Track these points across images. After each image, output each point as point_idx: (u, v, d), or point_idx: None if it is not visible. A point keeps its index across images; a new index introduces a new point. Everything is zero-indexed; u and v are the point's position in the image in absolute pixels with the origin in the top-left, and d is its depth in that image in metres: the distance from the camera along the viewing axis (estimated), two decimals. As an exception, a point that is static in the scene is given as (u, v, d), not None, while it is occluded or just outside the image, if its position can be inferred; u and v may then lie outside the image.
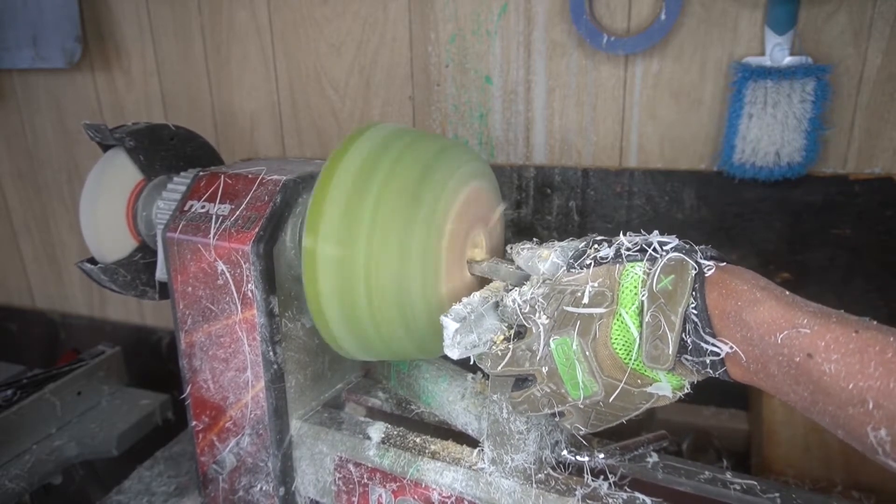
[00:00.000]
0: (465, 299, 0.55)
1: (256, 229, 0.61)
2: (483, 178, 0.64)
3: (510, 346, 0.53)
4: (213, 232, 0.63)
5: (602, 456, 0.59)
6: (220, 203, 0.65)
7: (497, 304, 0.56)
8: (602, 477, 0.59)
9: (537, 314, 0.51)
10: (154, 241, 0.73)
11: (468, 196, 0.60)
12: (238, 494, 0.72)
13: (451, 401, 0.68)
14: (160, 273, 0.73)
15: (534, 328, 0.51)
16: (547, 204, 0.96)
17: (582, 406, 0.51)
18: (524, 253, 0.56)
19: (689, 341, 0.45)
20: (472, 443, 0.64)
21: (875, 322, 0.41)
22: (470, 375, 0.70)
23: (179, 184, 0.71)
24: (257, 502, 0.71)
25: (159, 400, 1.04)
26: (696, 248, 0.48)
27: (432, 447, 0.64)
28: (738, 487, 0.58)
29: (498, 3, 0.91)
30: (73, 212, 1.30)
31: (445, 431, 0.69)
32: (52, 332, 1.43)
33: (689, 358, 0.45)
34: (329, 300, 0.57)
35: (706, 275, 0.46)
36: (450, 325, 0.52)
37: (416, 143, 0.60)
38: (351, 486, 0.67)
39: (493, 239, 0.66)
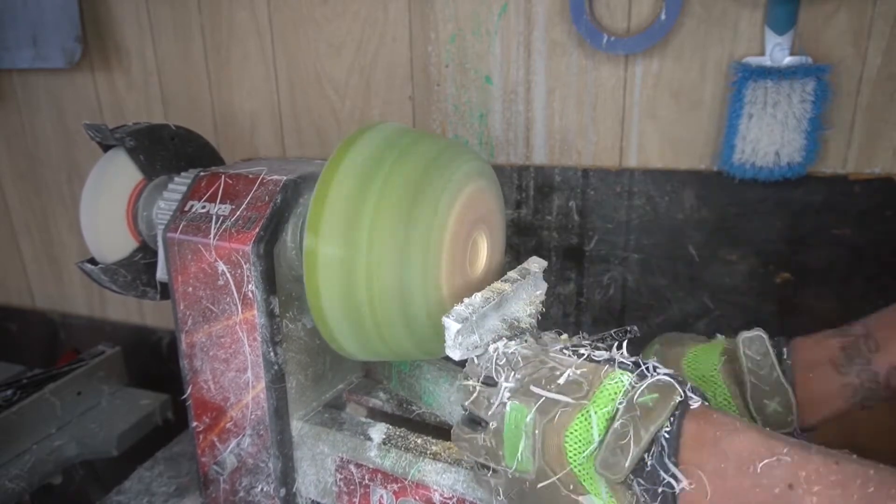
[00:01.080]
0: (466, 300, 0.54)
1: (257, 229, 0.61)
2: (484, 177, 0.64)
3: (477, 388, 0.52)
4: (213, 232, 0.63)
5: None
6: (220, 203, 0.65)
7: (499, 305, 0.56)
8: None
9: (510, 372, 0.51)
10: (155, 241, 0.73)
11: (469, 196, 0.60)
12: (239, 495, 0.72)
13: (453, 401, 0.68)
14: (161, 273, 0.73)
15: (501, 381, 0.50)
16: (547, 204, 0.96)
17: (510, 476, 0.50)
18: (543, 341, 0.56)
19: (649, 463, 0.43)
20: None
21: (854, 455, 0.40)
22: None
23: (180, 184, 0.71)
24: (258, 503, 0.71)
25: (159, 400, 1.04)
26: (688, 382, 0.47)
27: (434, 448, 0.64)
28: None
29: (498, 3, 0.91)
30: (73, 212, 1.30)
31: (446, 432, 0.69)
32: (52, 332, 1.43)
33: (642, 482, 0.43)
34: (330, 300, 0.57)
35: (690, 406, 0.45)
36: (451, 325, 0.51)
37: (417, 143, 0.60)
38: (352, 486, 0.67)
39: (495, 239, 0.66)
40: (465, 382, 0.54)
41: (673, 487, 0.42)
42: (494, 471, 0.52)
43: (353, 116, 1.04)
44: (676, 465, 0.42)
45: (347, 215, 0.56)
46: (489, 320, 0.55)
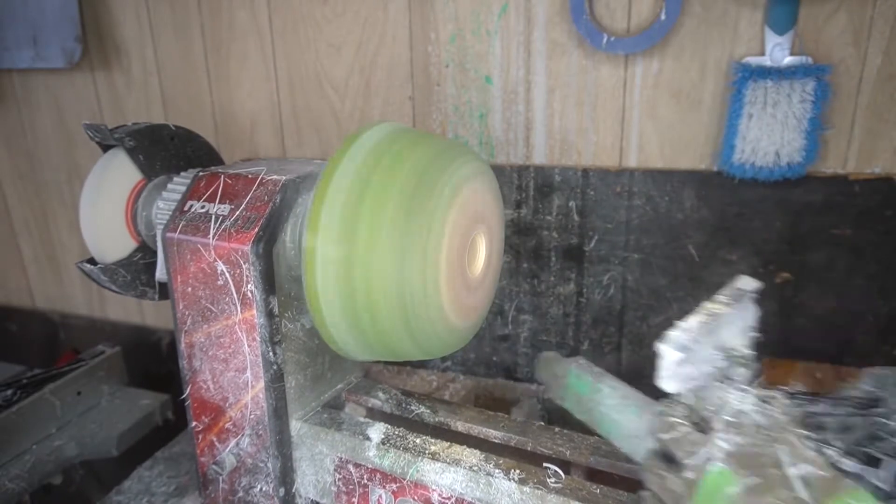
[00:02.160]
0: (682, 324, 0.47)
1: (256, 229, 0.61)
2: (483, 177, 0.64)
3: (686, 428, 0.46)
4: (212, 232, 0.63)
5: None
6: (219, 203, 0.65)
7: (714, 330, 0.48)
8: (598, 478, 0.59)
9: (732, 433, 0.43)
10: (154, 241, 0.73)
11: (468, 195, 0.60)
12: (238, 495, 0.72)
13: (640, 436, 0.57)
14: (160, 273, 0.73)
15: (716, 437, 0.43)
16: (547, 204, 0.96)
17: None
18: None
19: None
20: (473, 444, 0.64)
21: None
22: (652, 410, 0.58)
23: (179, 184, 0.71)
24: (257, 503, 0.71)
25: (159, 400, 1.04)
26: None
27: (432, 448, 0.64)
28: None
29: (498, 3, 0.90)
30: (73, 212, 1.30)
31: (446, 432, 0.69)
32: (52, 332, 1.43)
33: None
34: (329, 300, 0.57)
35: None
36: (670, 354, 0.45)
37: (416, 143, 0.60)
38: (351, 486, 0.67)
39: (494, 239, 0.66)
40: (671, 418, 0.47)
41: None
42: None
43: (353, 116, 1.04)
44: None
45: (346, 215, 0.56)
46: (703, 348, 0.48)
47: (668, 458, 0.46)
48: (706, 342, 0.48)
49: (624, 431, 0.58)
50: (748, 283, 0.55)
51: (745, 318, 0.52)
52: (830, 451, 0.43)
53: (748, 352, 0.50)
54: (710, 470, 0.42)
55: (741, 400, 0.45)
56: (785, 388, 0.49)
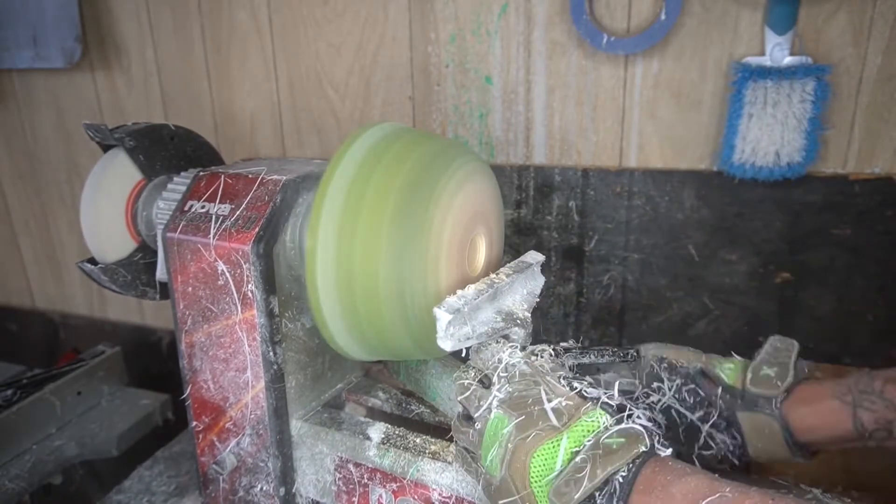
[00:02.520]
0: (459, 291, 0.55)
1: (256, 229, 0.61)
2: (483, 177, 0.64)
3: (473, 385, 0.54)
4: (213, 232, 0.63)
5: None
6: (220, 203, 0.65)
7: (493, 297, 0.56)
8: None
9: (504, 382, 0.53)
10: (154, 241, 0.73)
11: (468, 195, 0.60)
12: (238, 495, 0.72)
13: (454, 398, 0.68)
14: (160, 273, 0.73)
15: (495, 387, 0.53)
16: (547, 204, 0.96)
17: (482, 472, 0.52)
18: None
19: (599, 502, 0.45)
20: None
21: (791, 494, 0.43)
22: None
23: (179, 184, 0.71)
24: (258, 502, 0.71)
25: (159, 400, 1.04)
26: (662, 437, 0.48)
27: (432, 447, 0.64)
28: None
29: (498, 3, 0.91)
30: (73, 212, 1.30)
31: (445, 431, 0.69)
32: (52, 332, 1.43)
33: None
34: (329, 299, 0.57)
35: (656, 456, 0.46)
36: (443, 316, 0.52)
37: (416, 143, 0.60)
38: (351, 486, 0.67)
39: (494, 238, 0.66)
40: (462, 380, 0.55)
41: None
42: (475, 460, 0.55)
43: (353, 116, 1.04)
44: None
45: (347, 215, 0.56)
46: (483, 312, 0.55)
47: (466, 416, 0.55)
48: (488, 307, 0.56)
49: (443, 395, 0.69)
50: (533, 257, 0.64)
51: (529, 287, 0.62)
52: (577, 385, 0.52)
53: (525, 315, 0.59)
54: (490, 417, 0.51)
55: (511, 356, 0.55)
56: (557, 345, 0.63)
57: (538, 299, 0.62)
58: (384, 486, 0.64)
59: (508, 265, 0.62)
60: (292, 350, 0.67)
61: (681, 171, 0.89)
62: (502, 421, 0.50)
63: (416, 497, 0.62)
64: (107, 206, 0.72)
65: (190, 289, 0.66)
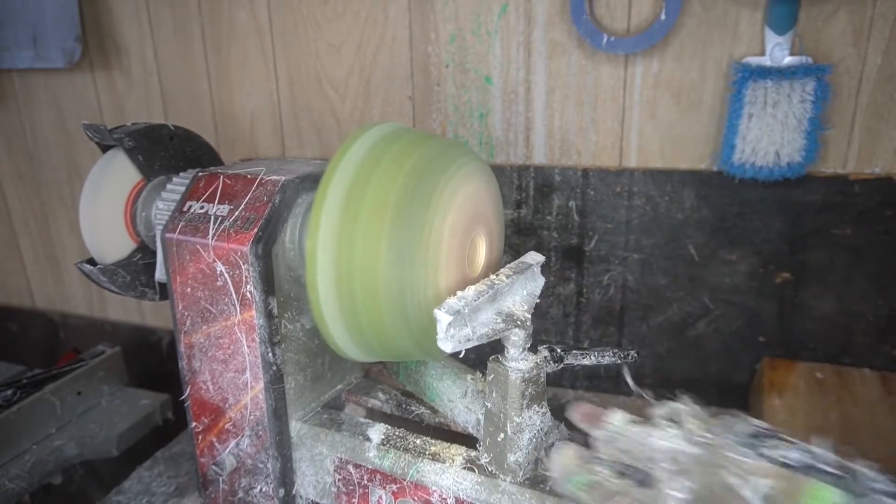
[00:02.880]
0: (459, 293, 0.55)
1: (255, 230, 0.61)
2: (482, 177, 0.64)
3: (625, 486, 0.43)
4: (211, 233, 0.63)
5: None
6: (219, 203, 0.65)
7: (494, 297, 0.56)
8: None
9: (677, 478, 0.40)
10: (153, 241, 0.73)
11: (467, 196, 0.60)
12: (238, 496, 0.72)
13: (453, 399, 0.68)
14: (159, 274, 0.73)
15: (664, 489, 0.40)
16: (547, 204, 0.96)
17: None
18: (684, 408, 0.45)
19: None
20: (473, 444, 0.64)
21: None
22: (469, 376, 0.70)
23: (178, 184, 0.71)
24: (257, 503, 0.71)
25: (159, 400, 1.04)
26: None
27: (433, 448, 0.64)
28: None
29: (498, 3, 0.90)
30: (73, 212, 1.30)
31: (445, 433, 0.69)
32: (52, 332, 1.43)
33: None
34: (329, 300, 0.57)
35: None
36: (443, 318, 0.51)
37: (416, 144, 0.60)
38: (351, 487, 0.67)
39: (494, 239, 0.66)
40: (602, 477, 0.44)
41: None
42: None
43: (353, 116, 1.04)
44: None
45: (347, 215, 0.56)
46: (483, 313, 0.55)
47: None
48: (488, 308, 0.55)
49: (443, 396, 0.68)
50: (533, 258, 0.63)
51: (529, 288, 0.60)
52: (770, 452, 0.40)
53: (526, 316, 0.56)
54: None
55: (673, 438, 0.42)
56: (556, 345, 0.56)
57: (538, 300, 0.62)
58: (384, 488, 0.64)
59: (508, 266, 0.61)
60: (292, 351, 0.67)
61: (681, 171, 0.89)
62: None
63: (415, 498, 0.62)
64: (106, 207, 0.72)
65: (189, 289, 0.66)
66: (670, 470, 0.40)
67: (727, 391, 0.95)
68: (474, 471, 0.60)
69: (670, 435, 0.42)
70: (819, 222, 0.84)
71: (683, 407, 0.44)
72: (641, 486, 0.42)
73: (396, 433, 0.67)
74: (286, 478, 0.69)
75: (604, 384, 1.02)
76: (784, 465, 0.39)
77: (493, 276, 0.59)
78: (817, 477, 0.38)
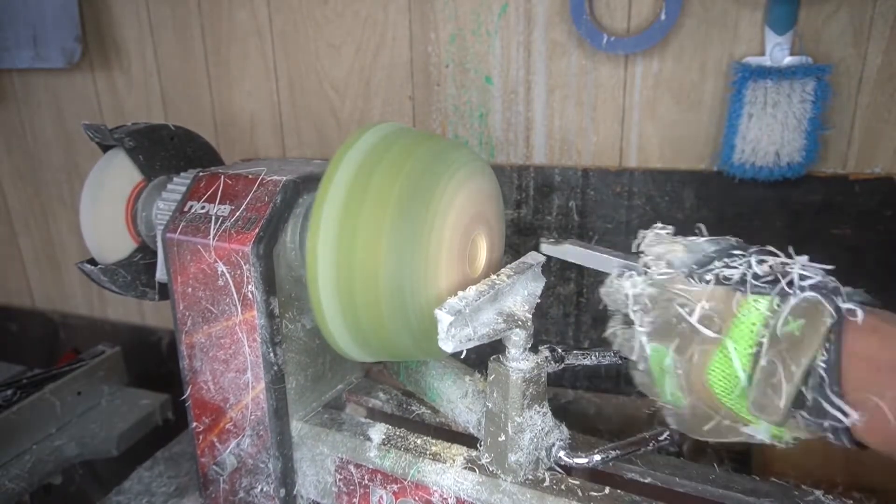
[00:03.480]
0: (460, 293, 0.55)
1: (257, 230, 0.61)
2: (483, 177, 0.64)
3: (615, 333, 0.52)
4: (212, 233, 0.63)
5: (599, 458, 0.59)
6: (220, 204, 0.65)
7: (494, 298, 0.56)
8: (600, 478, 0.59)
9: (643, 316, 0.48)
10: (154, 241, 0.73)
11: (467, 195, 0.60)
12: (238, 496, 0.72)
13: (454, 399, 0.68)
14: (160, 274, 0.73)
15: (636, 323, 0.48)
16: (547, 204, 0.96)
17: (670, 409, 0.49)
18: (653, 243, 0.52)
19: (808, 397, 0.39)
20: (474, 444, 0.64)
21: None
22: (469, 376, 0.70)
23: (179, 184, 0.71)
24: (258, 503, 0.71)
25: (159, 400, 1.04)
26: (843, 289, 0.42)
27: (433, 448, 0.64)
28: (739, 488, 0.58)
29: (498, 3, 0.90)
30: (73, 212, 1.30)
31: (446, 432, 0.69)
32: (52, 332, 1.43)
33: (806, 416, 0.40)
34: (330, 300, 0.57)
35: (852, 320, 0.39)
36: (444, 318, 0.51)
37: (417, 144, 0.60)
38: (352, 487, 0.67)
39: (494, 239, 0.66)
40: (610, 330, 0.54)
41: (841, 421, 0.38)
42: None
43: (353, 116, 1.04)
44: (841, 395, 0.38)
45: (348, 215, 0.56)
46: (484, 313, 0.55)
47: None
48: (489, 308, 0.55)
49: (444, 396, 0.68)
50: (534, 258, 0.63)
51: (530, 288, 0.61)
52: (710, 277, 0.46)
53: (527, 316, 0.57)
54: (648, 355, 0.47)
55: (634, 285, 0.50)
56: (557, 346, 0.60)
57: (539, 300, 0.62)
58: (385, 488, 0.64)
59: (509, 266, 0.61)
60: (292, 351, 0.67)
61: (681, 171, 0.89)
62: (660, 353, 0.47)
63: (416, 498, 0.62)
64: (106, 207, 0.72)
65: (190, 290, 0.66)
66: (636, 310, 0.49)
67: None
68: (475, 471, 0.60)
69: (638, 282, 0.50)
70: (819, 222, 0.85)
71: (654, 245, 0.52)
72: (626, 325, 0.51)
73: (397, 433, 0.67)
74: (287, 478, 0.69)
75: (604, 384, 1.02)
76: (723, 284, 0.45)
77: (493, 276, 0.59)
78: (752, 288, 0.43)
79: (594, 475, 0.62)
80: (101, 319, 1.37)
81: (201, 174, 0.68)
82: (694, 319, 0.44)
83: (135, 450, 0.96)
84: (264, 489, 0.70)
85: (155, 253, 0.74)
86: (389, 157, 0.58)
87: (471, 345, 0.54)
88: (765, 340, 0.41)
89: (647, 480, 0.61)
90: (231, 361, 0.66)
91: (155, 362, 1.32)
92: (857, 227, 0.83)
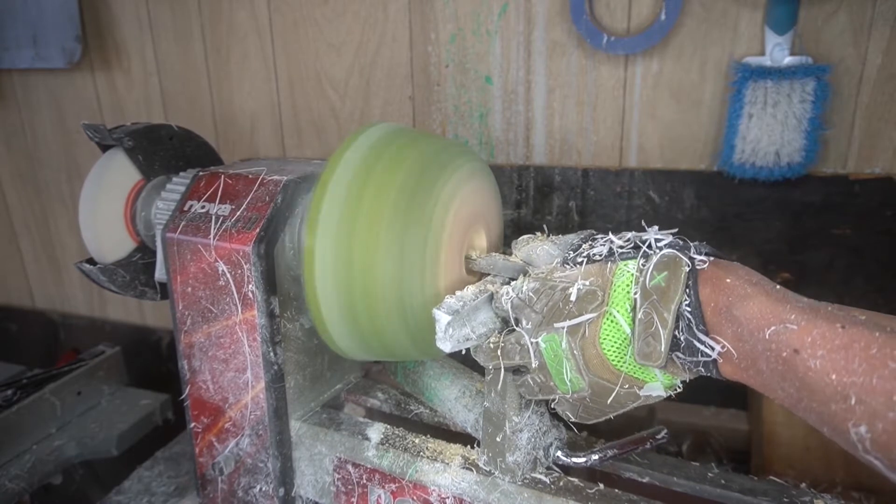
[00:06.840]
0: (458, 293, 0.55)
1: (258, 230, 0.61)
2: (482, 177, 0.64)
3: (501, 341, 0.53)
4: (213, 232, 0.63)
5: (597, 457, 0.59)
6: (220, 203, 0.65)
7: (491, 298, 0.56)
8: (598, 478, 0.59)
9: (527, 310, 0.51)
10: (153, 241, 0.73)
11: (466, 195, 0.60)
12: (237, 495, 0.72)
13: (452, 399, 0.68)
14: (159, 273, 0.73)
15: (524, 322, 0.51)
16: (547, 204, 0.96)
17: (570, 399, 0.51)
18: (522, 244, 0.58)
19: (681, 338, 0.45)
20: (472, 444, 0.64)
21: (865, 317, 0.40)
22: (467, 376, 0.70)
23: (178, 184, 0.71)
24: (257, 503, 0.71)
25: (159, 400, 1.04)
26: (691, 244, 0.48)
27: (431, 448, 0.64)
28: (737, 488, 0.58)
29: (498, 3, 0.90)
30: (73, 212, 1.30)
31: (444, 432, 0.69)
32: (52, 332, 1.43)
33: (682, 356, 0.45)
34: (328, 299, 0.57)
35: (699, 269, 0.45)
36: (442, 317, 0.52)
37: (415, 143, 0.60)
38: (350, 486, 0.67)
39: (492, 238, 0.66)
40: (486, 342, 0.55)
41: (709, 355, 0.44)
42: (555, 401, 0.54)
43: (353, 116, 1.04)
44: (706, 332, 0.44)
45: (346, 214, 0.56)
46: (482, 313, 0.55)
47: (518, 372, 0.54)
48: (486, 308, 0.56)
49: (441, 396, 0.69)
50: None
51: None
52: (581, 258, 0.52)
53: None
54: (542, 347, 0.50)
55: (506, 292, 0.53)
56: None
57: None
58: (383, 487, 0.64)
59: None
60: (291, 350, 0.67)
61: (681, 171, 0.89)
62: (554, 340, 0.49)
63: (414, 498, 0.62)
64: (105, 207, 0.72)
65: (189, 289, 0.66)
66: (523, 311, 0.51)
67: (727, 391, 0.95)
68: (473, 470, 0.60)
69: (506, 289, 0.54)
70: (819, 222, 0.84)
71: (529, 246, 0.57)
72: (509, 331, 0.53)
73: (395, 433, 0.67)
74: (286, 477, 0.69)
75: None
76: (594, 260, 0.51)
77: (490, 277, 0.59)
78: (620, 256, 0.50)
79: (592, 475, 0.62)
80: (101, 319, 1.37)
81: (201, 174, 0.68)
82: (575, 297, 0.49)
83: (135, 450, 0.96)
84: (263, 489, 0.70)
85: (154, 252, 0.74)
86: (388, 157, 0.58)
87: (469, 345, 0.54)
88: (637, 297, 0.46)
89: (646, 480, 0.61)
90: (230, 361, 0.66)
91: (155, 362, 1.32)
92: (857, 227, 0.83)
